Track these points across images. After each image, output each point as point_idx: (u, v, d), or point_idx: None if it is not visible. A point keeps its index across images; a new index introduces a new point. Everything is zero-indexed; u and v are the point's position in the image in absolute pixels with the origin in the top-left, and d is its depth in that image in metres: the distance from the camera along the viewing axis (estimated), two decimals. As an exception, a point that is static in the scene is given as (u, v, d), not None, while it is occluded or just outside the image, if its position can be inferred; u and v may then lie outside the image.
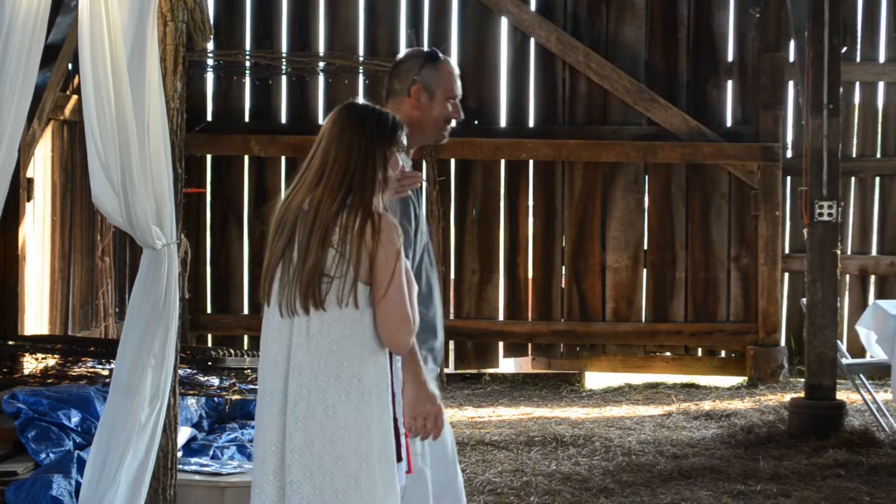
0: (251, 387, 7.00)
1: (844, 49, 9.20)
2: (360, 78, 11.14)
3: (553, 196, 11.26)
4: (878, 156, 11.31)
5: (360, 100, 4.23)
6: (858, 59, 11.17)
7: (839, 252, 8.89)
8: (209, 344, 11.17)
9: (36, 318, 8.93)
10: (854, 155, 11.24)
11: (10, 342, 7.68)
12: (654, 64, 11.25)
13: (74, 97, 9.23)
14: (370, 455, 4.00)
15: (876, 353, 8.99)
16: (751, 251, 11.16)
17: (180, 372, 6.05)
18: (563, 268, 11.31)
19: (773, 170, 11.04)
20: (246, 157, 11.30)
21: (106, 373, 6.95)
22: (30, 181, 8.71)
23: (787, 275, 11.27)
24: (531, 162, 11.25)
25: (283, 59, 10.94)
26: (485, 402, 10.28)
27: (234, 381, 7.19)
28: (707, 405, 10.03)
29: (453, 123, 4.77)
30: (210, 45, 10.42)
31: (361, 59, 11.00)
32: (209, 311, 11.39)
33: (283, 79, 11.23)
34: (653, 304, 11.25)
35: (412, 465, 4.30)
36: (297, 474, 4.00)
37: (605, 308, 11.27)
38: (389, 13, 11.28)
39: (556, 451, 8.36)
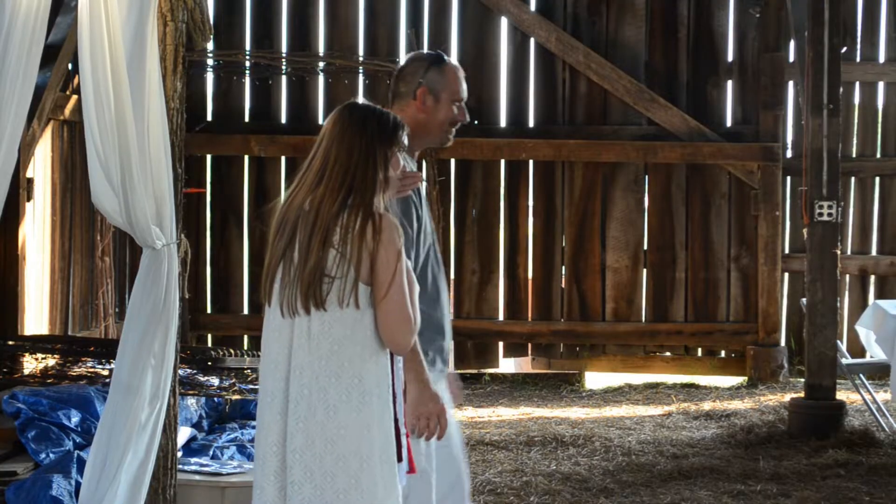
0: (251, 387, 7.00)
1: (844, 49, 9.21)
2: (360, 78, 11.14)
3: (553, 196, 11.26)
4: (878, 156, 11.31)
5: (361, 100, 4.22)
6: (858, 59, 11.17)
7: (839, 252, 8.89)
8: (209, 344, 11.17)
9: (36, 318, 8.93)
10: (854, 155, 11.24)
11: (10, 342, 7.68)
12: (654, 64, 11.25)
13: (74, 97, 9.22)
14: (371, 455, 4.00)
15: (876, 353, 8.99)
16: (751, 251, 11.16)
17: (180, 372, 6.05)
18: (563, 268, 11.31)
19: (773, 170, 11.04)
20: (246, 157, 11.30)
21: (106, 373, 6.95)
22: (30, 181, 8.71)
23: (787, 275, 11.27)
24: (531, 162, 11.25)
25: (283, 59, 10.94)
26: (485, 402, 10.28)
27: (234, 381, 7.19)
28: (707, 405, 10.03)
29: (459, 126, 4.77)
30: (210, 45, 10.42)
31: (361, 59, 10.99)
32: (209, 311, 11.39)
33: (283, 79, 11.23)
34: (653, 304, 11.25)
35: (415, 465, 4.30)
36: (299, 475, 4.00)
37: (605, 308, 11.27)
38: (389, 13, 11.28)
39: (556, 451, 8.36)
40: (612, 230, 11.25)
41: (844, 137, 10.32)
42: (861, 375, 8.98)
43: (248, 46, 11.24)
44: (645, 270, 11.28)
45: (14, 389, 6.37)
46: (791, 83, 11.02)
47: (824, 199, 8.70)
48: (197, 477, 6.09)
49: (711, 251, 11.22)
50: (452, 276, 11.23)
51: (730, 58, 11.24)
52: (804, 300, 9.12)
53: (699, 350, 11.34)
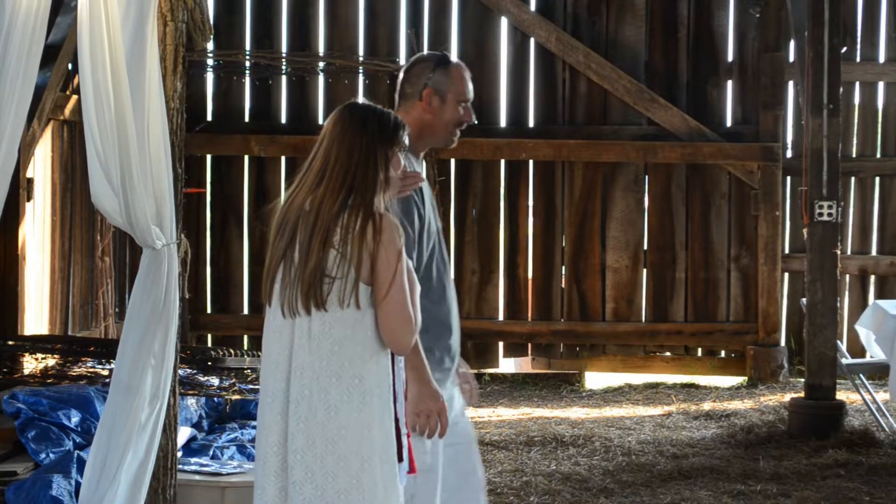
0: (251, 387, 7.00)
1: (844, 49, 9.21)
2: (360, 78, 11.14)
3: (553, 196, 11.26)
4: (878, 156, 11.31)
5: (362, 100, 4.22)
6: (858, 59, 11.17)
7: (839, 252, 8.89)
8: (209, 344, 11.17)
9: (36, 318, 8.93)
10: (854, 155, 11.24)
11: (10, 342, 7.68)
12: (654, 64, 11.25)
13: (74, 97, 9.22)
14: (372, 455, 4.00)
15: (875, 353, 8.99)
16: (751, 251, 11.16)
17: (180, 372, 6.05)
18: (563, 268, 11.31)
19: (773, 170, 11.04)
20: (246, 157, 11.30)
21: (106, 373, 6.95)
22: (30, 181, 8.71)
23: (787, 275, 11.27)
24: (531, 162, 11.26)
25: (283, 59, 10.94)
26: (485, 402, 10.28)
27: (234, 381, 7.19)
28: (707, 405, 10.03)
29: (464, 126, 4.77)
30: (210, 45, 10.42)
31: (361, 59, 10.99)
32: (209, 311, 11.39)
33: (283, 79, 11.23)
34: (653, 304, 11.25)
35: (416, 465, 4.30)
36: (300, 475, 4.00)
37: (605, 308, 11.27)
38: (389, 13, 11.28)
39: (556, 451, 8.36)
40: (612, 230, 11.25)
41: (844, 137, 10.32)
42: (861, 375, 8.98)
43: (248, 46, 11.24)
44: (645, 270, 11.28)
45: (14, 389, 6.36)
46: (791, 83, 11.02)
47: (824, 199, 8.70)
48: (197, 477, 6.09)
49: (711, 251, 11.22)
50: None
51: (730, 58, 11.24)
52: (804, 300, 9.12)
53: (699, 350, 11.34)
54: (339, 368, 4.01)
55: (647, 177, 11.24)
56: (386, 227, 4.00)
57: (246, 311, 11.38)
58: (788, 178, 11.15)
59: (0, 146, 4.39)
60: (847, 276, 11.16)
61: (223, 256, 11.39)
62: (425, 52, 5.20)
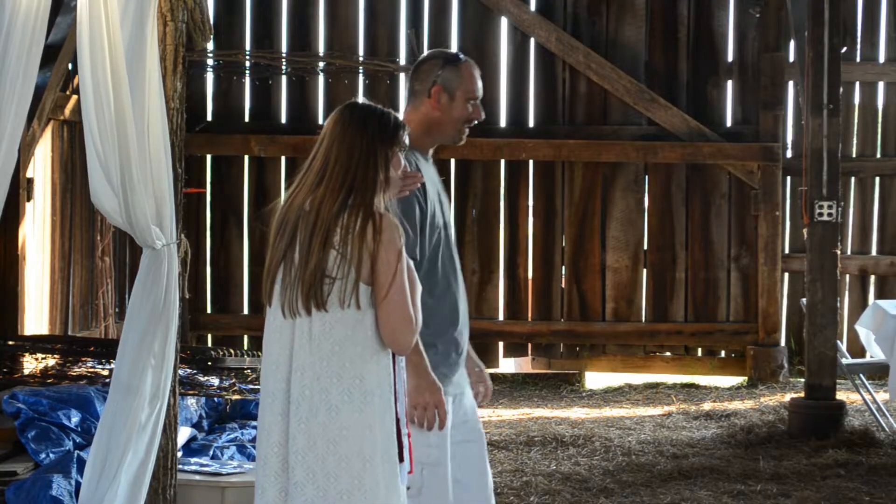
0: (251, 387, 7.00)
1: (844, 49, 9.20)
2: (360, 78, 11.14)
3: (553, 196, 11.26)
4: (878, 156, 11.31)
5: (362, 100, 4.22)
6: (858, 59, 11.17)
7: (839, 252, 8.89)
8: (209, 344, 11.17)
9: (36, 318, 8.93)
10: (854, 155, 11.23)
11: (10, 342, 7.67)
12: (654, 64, 11.25)
13: (74, 97, 9.22)
14: (373, 456, 4.00)
15: (875, 353, 8.99)
16: (751, 251, 11.15)
17: (180, 372, 6.05)
18: (563, 268, 11.30)
19: (773, 170, 11.04)
20: (246, 157, 11.30)
21: (106, 373, 6.95)
22: (30, 181, 8.71)
23: (787, 275, 11.27)
24: (531, 162, 11.25)
25: (283, 59, 10.94)
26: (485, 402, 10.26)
27: (234, 381, 7.19)
28: (707, 405, 10.03)
29: (473, 124, 4.78)
30: (210, 45, 10.41)
31: (361, 59, 10.99)
32: (209, 311, 11.39)
33: (283, 79, 11.23)
34: (653, 304, 11.25)
35: (422, 458, 4.31)
36: (301, 476, 4.00)
37: (605, 308, 11.27)
38: (389, 13, 11.28)
39: (556, 451, 8.36)
40: (612, 230, 11.25)
41: (844, 137, 10.32)
42: (861, 375, 8.98)
43: (248, 46, 11.24)
44: (645, 270, 11.28)
45: (14, 389, 6.36)
46: (791, 83, 11.01)
47: (824, 199, 8.70)
48: (197, 477, 6.09)
49: (711, 251, 11.22)
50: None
51: (730, 58, 11.24)
52: (804, 300, 9.12)
53: (699, 350, 11.34)
54: (340, 369, 4.01)
55: (647, 177, 11.24)
56: (386, 227, 4.00)
57: (246, 311, 11.38)
58: (788, 178, 11.15)
59: (0, 146, 4.39)
60: (847, 276, 11.16)
61: (223, 256, 11.39)
62: (436, 49, 5.19)
